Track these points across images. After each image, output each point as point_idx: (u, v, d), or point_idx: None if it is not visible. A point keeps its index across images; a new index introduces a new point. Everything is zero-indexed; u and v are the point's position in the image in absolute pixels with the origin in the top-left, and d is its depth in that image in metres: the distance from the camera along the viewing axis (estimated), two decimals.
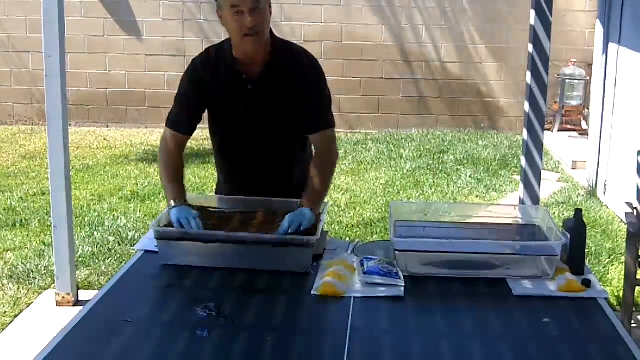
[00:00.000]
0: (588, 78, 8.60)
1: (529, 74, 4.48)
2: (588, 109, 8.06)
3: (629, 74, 6.23)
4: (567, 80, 8.90)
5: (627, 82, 6.27)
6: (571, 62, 8.97)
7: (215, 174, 3.38)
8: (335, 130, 3.03)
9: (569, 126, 9.12)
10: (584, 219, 2.65)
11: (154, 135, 9.10)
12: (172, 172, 2.96)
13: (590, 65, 8.01)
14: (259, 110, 2.92)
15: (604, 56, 6.71)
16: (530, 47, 4.43)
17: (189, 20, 9.37)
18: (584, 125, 8.81)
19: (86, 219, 5.87)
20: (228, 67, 2.86)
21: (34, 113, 9.52)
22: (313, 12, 9.20)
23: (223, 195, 3.16)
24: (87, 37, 9.36)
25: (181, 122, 2.98)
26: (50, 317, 4.24)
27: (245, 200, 3.00)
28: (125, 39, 9.43)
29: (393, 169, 7.54)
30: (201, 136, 8.89)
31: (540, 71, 4.44)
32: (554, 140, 8.68)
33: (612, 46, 6.54)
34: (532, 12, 4.38)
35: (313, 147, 3.07)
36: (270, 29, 2.85)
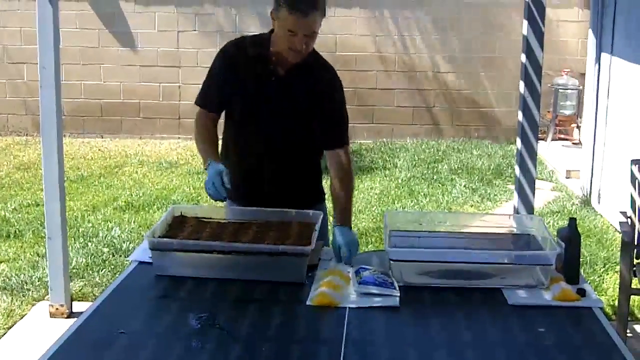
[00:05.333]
0: (581, 87, 8.62)
1: (522, 83, 4.50)
2: (581, 118, 8.08)
3: (621, 84, 6.25)
4: (560, 90, 8.92)
5: (619, 91, 6.30)
6: (564, 72, 9.01)
7: None
8: None
9: (562, 135, 9.14)
10: (579, 228, 2.65)
11: (148, 145, 9.10)
12: (206, 133, 3.04)
13: (583, 75, 8.04)
14: (278, 105, 2.99)
15: (597, 66, 6.73)
16: (523, 57, 4.45)
17: (183, 31, 9.38)
18: (577, 135, 8.84)
19: (80, 229, 5.85)
20: (261, 55, 2.96)
21: (29, 124, 9.50)
22: None
23: (218, 206, 3.15)
24: (82, 48, 9.35)
25: (211, 98, 3.08)
26: (44, 329, 4.22)
27: (240, 211, 3.00)
28: (120, 50, 9.43)
29: (387, 178, 7.55)
30: (194, 150, 8.88)
31: (533, 81, 4.46)
32: (548, 150, 8.70)
33: (605, 56, 6.57)
34: (525, 22, 4.40)
35: (329, 163, 3.07)
36: None
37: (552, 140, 8.99)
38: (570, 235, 2.62)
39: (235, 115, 3.08)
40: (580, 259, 2.74)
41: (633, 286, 3.92)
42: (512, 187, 5.42)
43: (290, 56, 2.89)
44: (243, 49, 3.02)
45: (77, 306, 4.41)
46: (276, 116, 3.01)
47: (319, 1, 2.82)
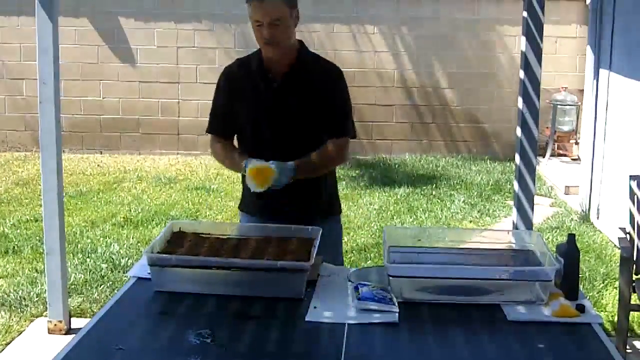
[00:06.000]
0: (579, 104, 8.65)
1: (520, 99, 4.51)
2: (580, 134, 8.10)
3: (619, 100, 6.27)
4: (558, 106, 8.95)
5: (618, 107, 6.31)
6: (562, 88, 9.03)
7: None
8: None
9: (561, 151, 9.16)
10: (578, 244, 2.65)
11: (147, 161, 9.10)
12: (223, 151, 3.17)
13: (581, 91, 8.07)
14: (283, 110, 3.03)
15: (595, 82, 6.76)
16: (522, 74, 4.46)
17: (183, 47, 9.41)
18: (575, 151, 8.85)
19: (79, 245, 5.84)
20: (258, 66, 3.06)
21: (28, 140, 9.51)
22: (305, 39, 9.24)
23: (217, 222, 3.17)
24: (82, 64, 9.39)
25: (219, 125, 3.20)
26: (42, 345, 4.20)
27: (239, 226, 3.00)
28: (119, 66, 9.46)
29: (386, 194, 7.55)
30: (193, 165, 8.89)
31: (532, 97, 4.46)
32: (547, 166, 8.71)
33: (603, 72, 6.59)
34: (523, 39, 4.42)
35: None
36: (302, 42, 3.11)
37: (551, 156, 9.01)
38: (569, 251, 2.62)
39: (243, 131, 3.16)
40: (580, 275, 2.73)
41: (632, 302, 3.91)
42: (511, 202, 5.42)
43: (268, 52, 2.98)
44: (239, 69, 3.12)
45: (76, 322, 4.40)
46: (278, 125, 3.06)
47: None
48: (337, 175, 3.36)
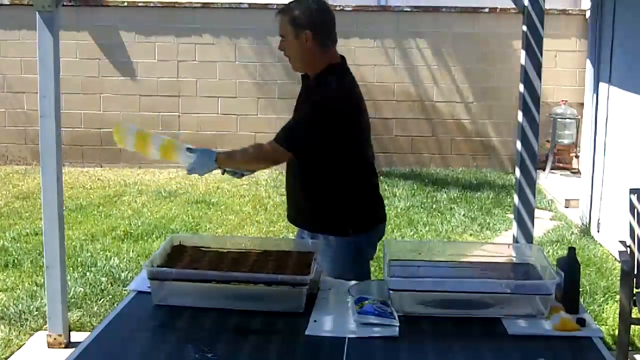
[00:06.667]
0: (579, 117, 8.67)
1: (520, 113, 4.51)
2: (580, 147, 8.11)
3: (619, 113, 6.28)
4: (558, 120, 8.97)
5: (618, 120, 6.32)
6: (562, 101, 9.06)
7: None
8: None
9: (561, 165, 9.17)
10: (578, 257, 2.65)
11: (147, 175, 9.11)
12: None
13: (581, 105, 8.08)
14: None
15: (595, 95, 6.77)
16: (521, 87, 4.47)
17: (183, 61, 9.44)
18: (576, 164, 8.86)
19: (79, 259, 5.84)
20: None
21: (28, 153, 9.53)
22: None
23: (217, 235, 3.20)
24: (82, 77, 9.41)
25: None
26: (41, 359, 4.19)
27: (239, 240, 3.00)
28: (119, 80, 9.49)
29: (387, 207, 7.48)
30: (193, 179, 8.89)
31: (532, 110, 4.47)
32: (547, 179, 8.72)
33: (603, 85, 6.61)
34: (523, 53, 4.43)
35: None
36: (332, 68, 3.12)
37: (551, 169, 9.02)
38: (570, 265, 2.62)
39: None
40: (580, 289, 2.73)
41: (633, 316, 3.90)
42: (511, 216, 5.42)
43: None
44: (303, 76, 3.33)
45: (75, 336, 4.38)
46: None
47: (286, 9, 3.09)
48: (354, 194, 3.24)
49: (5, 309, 4.81)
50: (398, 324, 2.43)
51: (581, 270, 2.68)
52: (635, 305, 3.88)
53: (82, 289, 5.16)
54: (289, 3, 3.11)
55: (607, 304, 5.00)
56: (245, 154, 3.17)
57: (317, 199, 3.17)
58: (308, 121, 3.06)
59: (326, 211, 3.16)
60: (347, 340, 2.36)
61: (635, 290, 3.91)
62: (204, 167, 3.07)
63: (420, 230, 6.78)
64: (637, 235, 4.03)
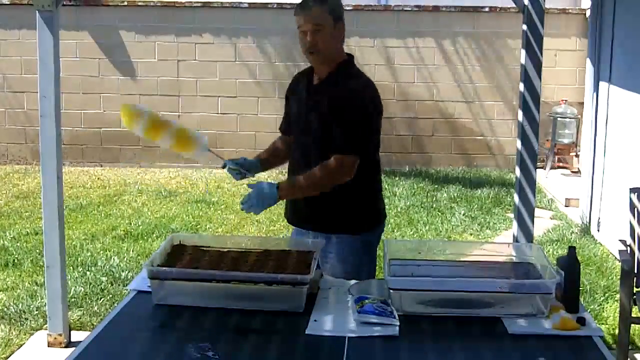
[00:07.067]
0: (579, 116, 8.67)
1: (520, 112, 4.51)
2: (580, 146, 8.10)
3: (619, 112, 6.28)
4: (558, 119, 8.97)
5: (618, 119, 6.32)
6: (562, 100, 9.05)
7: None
8: None
9: (561, 164, 9.17)
10: (578, 257, 2.65)
11: (147, 174, 9.11)
12: (274, 143, 3.42)
13: (581, 104, 8.08)
14: (307, 118, 3.12)
15: (595, 94, 6.77)
16: (522, 86, 4.47)
17: (183, 60, 9.44)
18: (576, 163, 8.86)
19: (79, 258, 5.84)
20: (308, 71, 3.24)
21: (28, 153, 9.53)
22: None
23: (217, 235, 3.18)
24: (82, 77, 9.41)
25: (282, 121, 3.41)
26: (42, 359, 4.19)
27: (239, 239, 2.99)
28: (120, 79, 9.49)
29: (387, 206, 7.51)
30: (194, 178, 8.89)
31: (532, 110, 4.47)
32: (547, 178, 8.71)
33: (603, 84, 6.61)
34: (523, 52, 4.43)
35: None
36: (351, 57, 3.20)
37: (551, 168, 9.02)
38: (570, 264, 2.62)
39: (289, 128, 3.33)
40: (580, 288, 2.73)
41: (633, 315, 3.90)
42: (512, 215, 5.42)
43: (310, 60, 3.11)
44: (300, 74, 3.30)
45: (76, 335, 4.38)
46: (307, 129, 3.13)
47: None
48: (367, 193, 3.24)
49: (5, 309, 4.81)
50: (398, 323, 2.43)
51: (581, 269, 2.68)
52: (635, 305, 3.88)
53: (82, 289, 5.16)
54: None
55: (607, 303, 5.00)
56: (311, 178, 3.01)
57: (339, 199, 3.10)
58: (364, 118, 3.06)
59: (345, 210, 3.13)
60: (347, 339, 2.36)
61: (635, 290, 3.91)
62: (264, 204, 2.94)
63: (421, 230, 6.78)
64: (637, 235, 4.03)
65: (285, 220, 3.42)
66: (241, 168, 3.14)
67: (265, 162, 3.33)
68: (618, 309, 4.11)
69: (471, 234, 6.75)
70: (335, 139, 3.01)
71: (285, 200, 3.26)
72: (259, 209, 2.94)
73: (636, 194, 4.13)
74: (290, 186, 3.06)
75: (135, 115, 3.01)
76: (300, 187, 3.05)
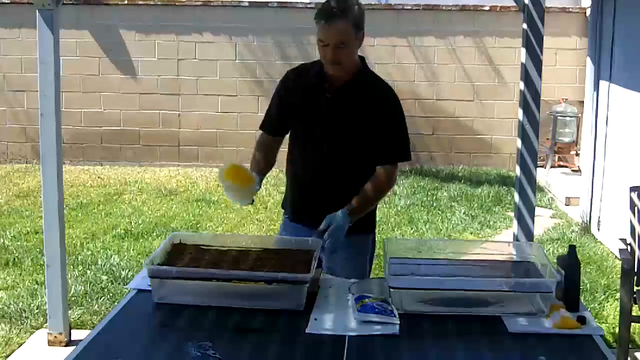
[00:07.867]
0: (580, 115, 8.67)
1: (520, 111, 4.52)
2: (580, 145, 8.10)
3: (620, 111, 6.28)
4: (559, 118, 8.97)
5: (618, 118, 6.32)
6: (562, 99, 9.05)
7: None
8: None
9: (561, 163, 9.17)
10: (578, 255, 2.65)
11: (148, 173, 9.11)
12: (257, 148, 3.25)
13: (581, 103, 8.08)
14: (328, 123, 3.06)
15: (595, 93, 6.77)
16: (522, 85, 4.47)
17: (184, 59, 9.44)
18: (576, 162, 8.86)
19: (79, 257, 5.84)
20: (316, 75, 3.10)
21: (28, 151, 9.53)
22: (307, 50, 9.26)
23: (217, 234, 3.18)
24: (82, 76, 9.41)
25: (268, 122, 3.26)
26: (42, 358, 4.20)
27: (239, 238, 2.99)
28: (120, 78, 9.49)
29: (387, 205, 7.54)
30: (194, 177, 8.89)
31: (532, 109, 4.47)
32: (547, 177, 8.71)
33: (603, 83, 6.61)
34: (523, 51, 4.43)
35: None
36: (363, 59, 3.17)
37: (552, 167, 9.02)
38: (570, 263, 2.62)
39: (293, 135, 3.22)
40: (580, 287, 2.73)
41: (633, 313, 3.90)
42: (512, 214, 5.42)
43: (329, 69, 3.01)
44: (297, 76, 3.18)
45: (76, 334, 4.38)
46: (327, 134, 3.07)
47: (346, 11, 2.94)
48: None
49: (5, 307, 4.82)
50: (398, 322, 2.43)
51: (581, 268, 2.68)
52: (635, 303, 3.88)
53: (83, 287, 5.16)
54: (337, 3, 2.95)
55: (607, 301, 5.00)
56: (369, 194, 3.02)
57: (349, 199, 3.06)
58: (403, 123, 3.12)
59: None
60: (347, 338, 2.36)
61: (635, 288, 3.91)
62: (344, 229, 2.92)
63: (421, 229, 6.78)
64: (638, 233, 4.03)
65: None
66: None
67: (264, 173, 3.23)
68: (618, 308, 4.11)
69: (471, 233, 6.75)
70: (379, 149, 3.03)
71: (286, 199, 3.31)
72: (344, 233, 2.93)
73: (636, 192, 4.13)
74: (357, 208, 2.99)
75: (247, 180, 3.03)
76: (363, 209, 3.03)
